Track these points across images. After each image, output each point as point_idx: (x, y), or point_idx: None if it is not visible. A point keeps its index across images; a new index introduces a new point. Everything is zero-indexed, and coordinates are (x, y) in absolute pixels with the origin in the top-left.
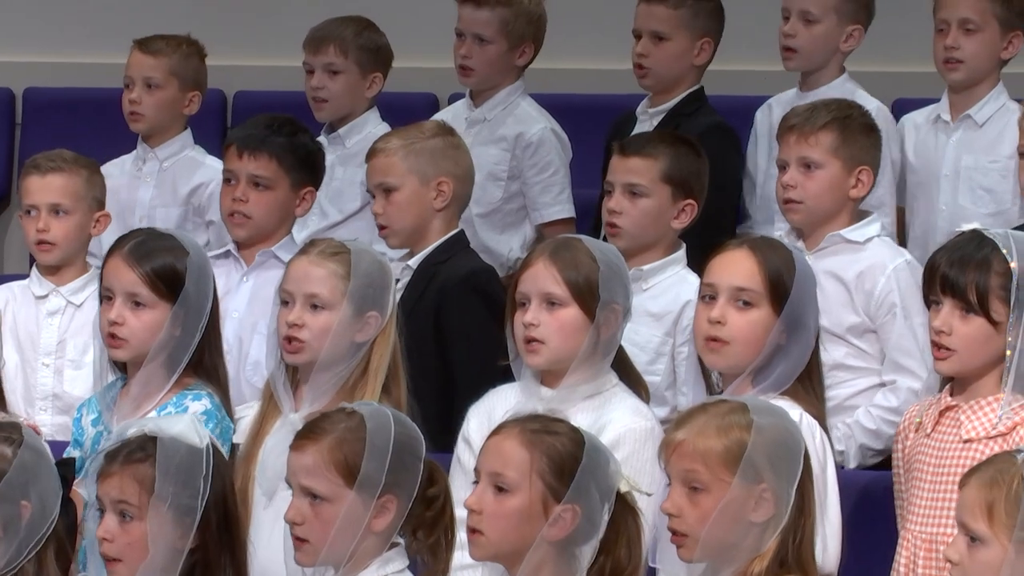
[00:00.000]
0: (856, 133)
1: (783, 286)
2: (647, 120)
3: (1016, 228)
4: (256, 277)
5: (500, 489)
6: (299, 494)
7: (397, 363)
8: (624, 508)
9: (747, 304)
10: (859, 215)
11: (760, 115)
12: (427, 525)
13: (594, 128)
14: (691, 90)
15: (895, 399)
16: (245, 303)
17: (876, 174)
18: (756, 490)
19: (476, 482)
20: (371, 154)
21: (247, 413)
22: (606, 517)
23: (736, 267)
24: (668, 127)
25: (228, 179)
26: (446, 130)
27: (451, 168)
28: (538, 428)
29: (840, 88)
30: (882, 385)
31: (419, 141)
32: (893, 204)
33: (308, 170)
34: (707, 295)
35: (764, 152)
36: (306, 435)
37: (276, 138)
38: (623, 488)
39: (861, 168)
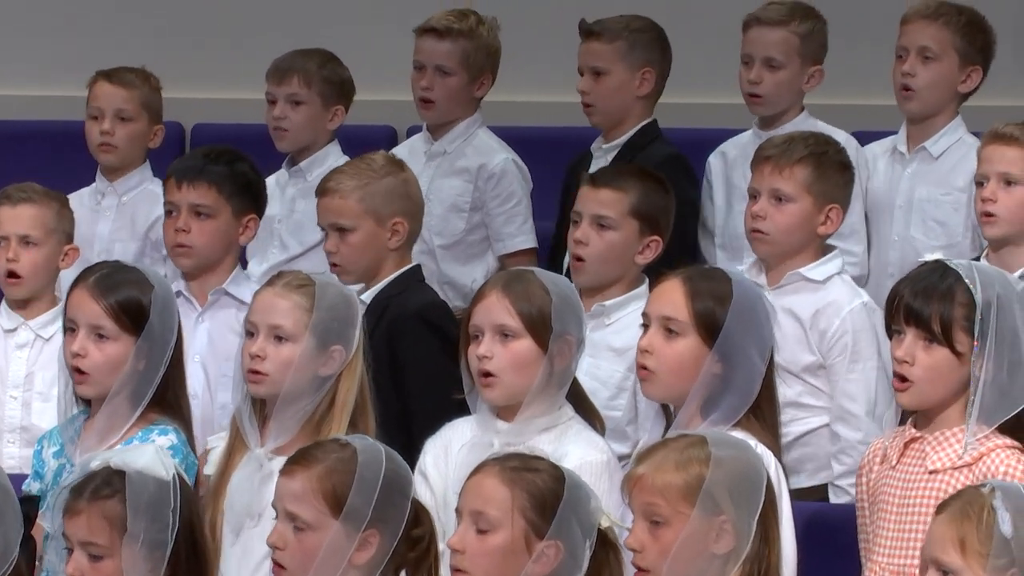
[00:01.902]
0: (830, 170)
1: (712, 316)
2: (602, 156)
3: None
4: (211, 318)
5: (482, 528)
6: (283, 519)
7: (365, 398)
8: (605, 544)
9: (673, 333)
10: (824, 250)
11: (714, 160)
12: (411, 565)
13: (547, 160)
14: (643, 123)
15: (853, 462)
16: (204, 345)
17: (845, 212)
18: (716, 522)
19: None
20: (323, 192)
21: (218, 444)
22: (588, 553)
23: (666, 296)
24: (624, 161)
25: (170, 211)
26: (396, 164)
27: (405, 207)
28: (518, 465)
29: (802, 125)
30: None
31: (373, 181)
32: (865, 232)
33: (249, 197)
34: (642, 324)
35: (721, 194)
36: (297, 461)
37: (214, 167)
38: (604, 524)
39: (831, 206)
